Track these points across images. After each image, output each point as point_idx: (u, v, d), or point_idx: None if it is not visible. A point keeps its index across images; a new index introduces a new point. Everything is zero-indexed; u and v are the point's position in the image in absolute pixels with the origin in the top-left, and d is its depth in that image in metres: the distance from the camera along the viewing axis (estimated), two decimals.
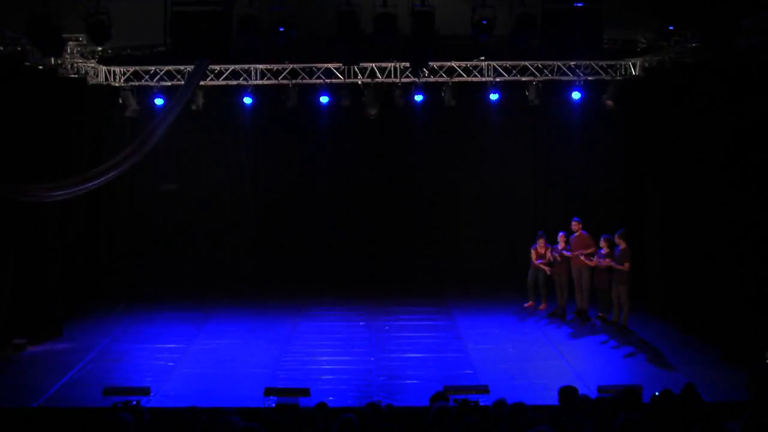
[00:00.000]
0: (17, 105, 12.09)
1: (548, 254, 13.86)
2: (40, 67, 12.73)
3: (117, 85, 15.17)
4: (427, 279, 16.53)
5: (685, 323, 12.80)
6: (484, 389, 8.99)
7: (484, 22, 9.96)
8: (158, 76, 15.02)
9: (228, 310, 14.56)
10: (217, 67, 14.92)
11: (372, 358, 11.57)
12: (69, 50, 13.29)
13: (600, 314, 13.26)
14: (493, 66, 15.08)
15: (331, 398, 9.20)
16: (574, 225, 13.44)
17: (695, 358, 11.38)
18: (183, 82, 14.22)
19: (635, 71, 15.03)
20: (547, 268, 13.86)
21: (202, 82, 14.75)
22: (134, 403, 8.48)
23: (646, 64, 14.68)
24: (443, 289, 15.83)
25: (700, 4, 9.81)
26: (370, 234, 16.80)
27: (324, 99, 15.19)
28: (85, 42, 13.03)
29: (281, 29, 10.36)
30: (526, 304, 14.32)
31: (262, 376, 10.54)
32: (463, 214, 16.95)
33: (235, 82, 15.22)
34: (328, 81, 15.10)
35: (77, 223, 14.27)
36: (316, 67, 15.06)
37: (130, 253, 16.50)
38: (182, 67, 14.71)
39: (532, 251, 14.07)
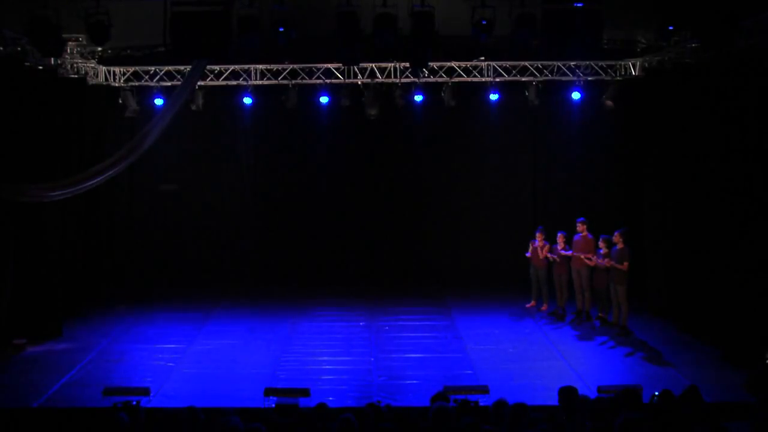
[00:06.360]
0: (17, 105, 12.08)
1: (544, 251, 13.82)
2: (40, 68, 12.72)
3: (117, 85, 15.17)
4: (427, 279, 16.51)
5: (685, 323, 12.80)
6: (484, 389, 8.99)
7: (484, 22, 9.94)
8: (158, 76, 15.02)
9: (228, 310, 14.56)
10: (217, 67, 14.92)
11: (372, 358, 11.57)
12: (69, 50, 13.28)
13: (600, 315, 13.26)
14: (493, 66, 15.07)
15: (331, 398, 9.22)
16: (579, 226, 13.37)
17: (695, 358, 11.38)
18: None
19: (635, 71, 15.03)
20: (543, 261, 13.85)
21: (201, 82, 14.78)
22: (134, 403, 8.47)
23: (646, 65, 14.67)
24: (443, 289, 15.82)
25: (700, 4, 9.80)
26: (370, 234, 16.79)
27: (324, 99, 15.19)
28: (85, 42, 13.02)
29: (281, 29, 10.34)
30: (528, 305, 14.33)
31: (262, 376, 10.54)
32: (463, 214, 16.91)
33: (234, 83, 15.22)
34: (328, 81, 15.09)
35: (77, 223, 14.25)
36: (316, 67, 15.06)
37: (130, 254, 16.50)
38: (182, 67, 14.69)
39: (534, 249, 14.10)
